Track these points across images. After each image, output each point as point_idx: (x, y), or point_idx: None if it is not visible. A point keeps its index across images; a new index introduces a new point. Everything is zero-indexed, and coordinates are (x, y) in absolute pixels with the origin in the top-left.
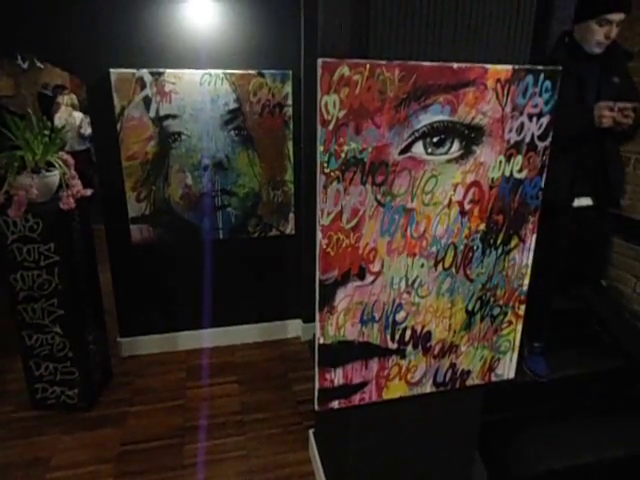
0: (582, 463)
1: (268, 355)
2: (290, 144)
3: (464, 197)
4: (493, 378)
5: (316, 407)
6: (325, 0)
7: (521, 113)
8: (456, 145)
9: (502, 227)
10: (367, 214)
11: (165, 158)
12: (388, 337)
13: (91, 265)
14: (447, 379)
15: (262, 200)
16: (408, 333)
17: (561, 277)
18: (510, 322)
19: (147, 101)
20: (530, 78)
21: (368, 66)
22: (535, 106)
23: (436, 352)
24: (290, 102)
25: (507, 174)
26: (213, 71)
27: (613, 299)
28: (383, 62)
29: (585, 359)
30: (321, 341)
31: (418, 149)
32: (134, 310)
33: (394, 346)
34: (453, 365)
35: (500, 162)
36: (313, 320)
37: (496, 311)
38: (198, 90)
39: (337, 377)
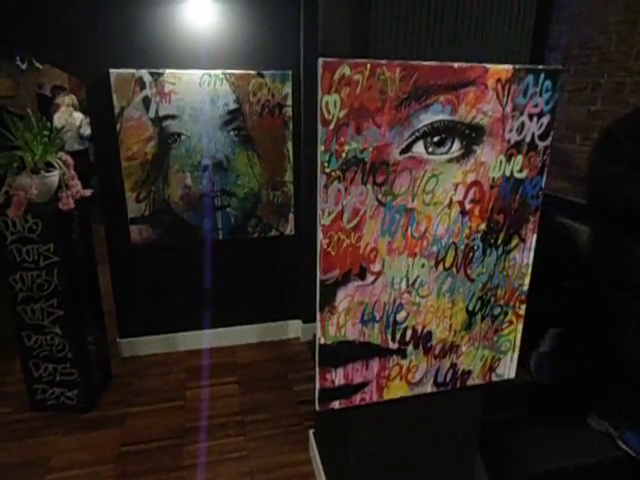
0: (584, 463)
1: (268, 355)
2: (290, 144)
3: (465, 197)
4: (494, 378)
5: (317, 407)
6: (325, 0)
7: (522, 113)
8: (457, 145)
9: (503, 227)
10: (368, 214)
11: (165, 158)
12: (389, 337)
13: (91, 266)
14: (448, 379)
15: (262, 200)
16: (409, 333)
17: None
18: (511, 322)
19: (147, 101)
20: (531, 78)
21: (369, 66)
22: (536, 106)
23: (437, 352)
24: (290, 102)
25: (508, 174)
26: (213, 71)
27: None
28: (384, 62)
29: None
30: (322, 341)
31: (419, 149)
32: (134, 311)
33: (395, 346)
34: (454, 365)
35: (501, 162)
36: (313, 320)
37: (497, 311)
38: (198, 90)
39: (338, 377)
